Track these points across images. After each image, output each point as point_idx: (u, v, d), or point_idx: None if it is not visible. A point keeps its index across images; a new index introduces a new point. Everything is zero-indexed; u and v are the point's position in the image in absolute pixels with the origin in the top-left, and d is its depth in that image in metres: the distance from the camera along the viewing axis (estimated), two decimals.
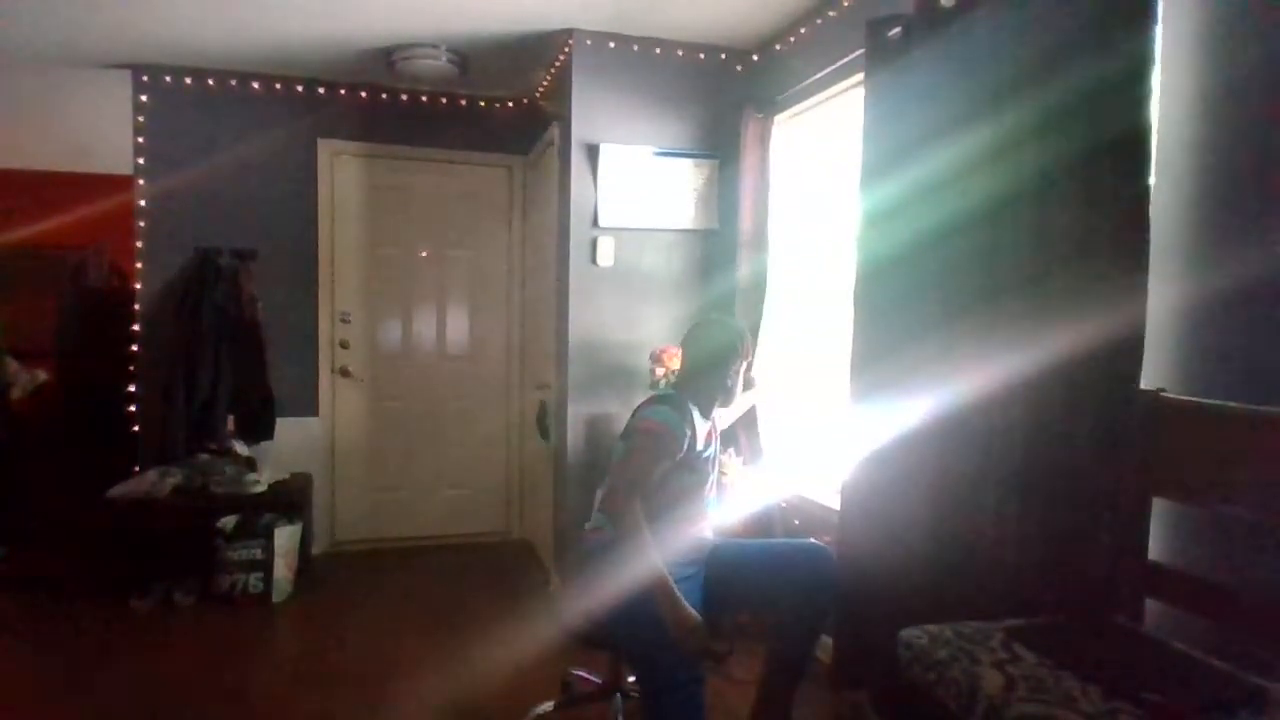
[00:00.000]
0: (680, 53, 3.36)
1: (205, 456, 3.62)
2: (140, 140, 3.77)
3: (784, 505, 2.97)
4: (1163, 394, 1.55)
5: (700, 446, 2.11)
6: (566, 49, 3.38)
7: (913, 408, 2.27)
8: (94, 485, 3.47)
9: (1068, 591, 1.67)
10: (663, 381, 2.93)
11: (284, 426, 3.89)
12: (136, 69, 3.74)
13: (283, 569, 3.45)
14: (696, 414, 2.12)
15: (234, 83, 3.84)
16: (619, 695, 2.36)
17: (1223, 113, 1.52)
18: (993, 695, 1.30)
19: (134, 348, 3.81)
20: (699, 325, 2.28)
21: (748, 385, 2.43)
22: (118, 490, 3.41)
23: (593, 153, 3.28)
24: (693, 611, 1.80)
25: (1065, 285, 1.72)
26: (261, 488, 3.53)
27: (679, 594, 1.80)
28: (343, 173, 4.11)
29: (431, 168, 4.24)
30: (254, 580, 3.38)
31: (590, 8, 3.05)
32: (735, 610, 2.40)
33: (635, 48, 3.32)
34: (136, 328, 3.81)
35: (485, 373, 4.43)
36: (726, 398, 2.20)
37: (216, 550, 3.38)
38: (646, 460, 1.97)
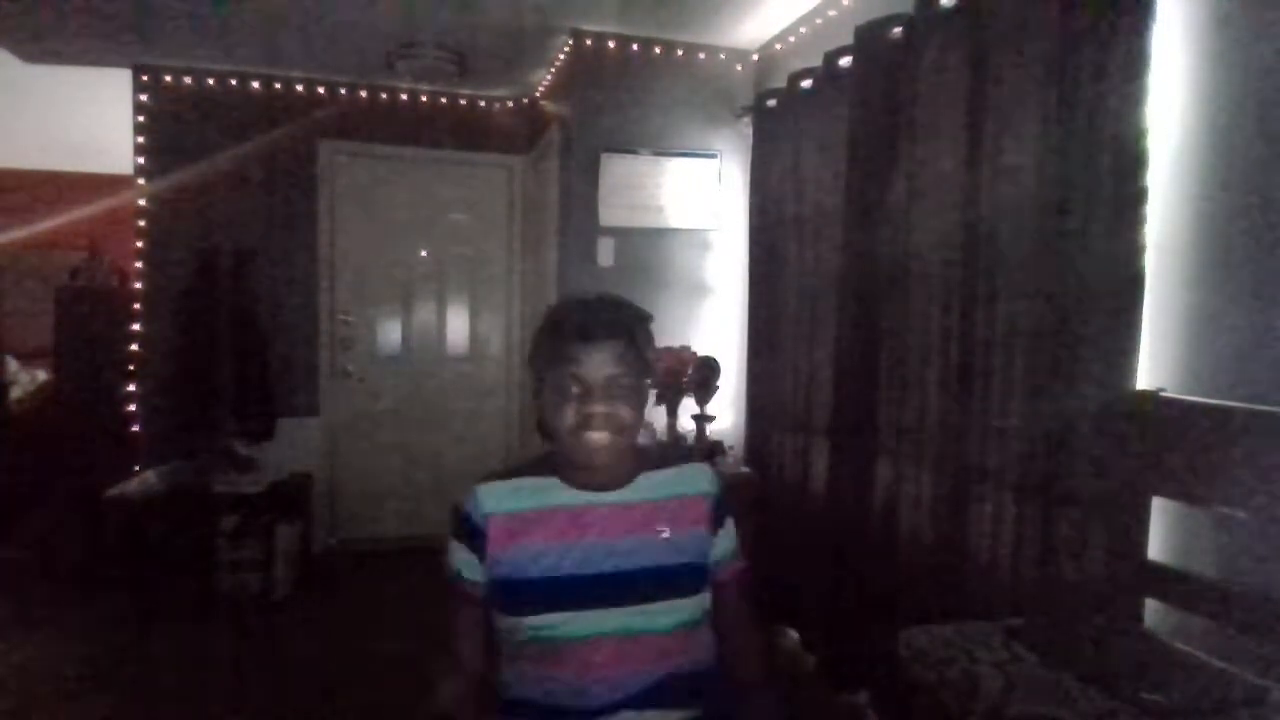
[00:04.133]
0: (680, 52, 3.36)
1: (205, 456, 3.62)
2: (140, 140, 3.77)
3: None
4: (1163, 394, 1.55)
5: (543, 569, 1.17)
6: (566, 48, 3.38)
7: (913, 407, 2.27)
8: (93, 485, 3.47)
9: (1067, 591, 1.68)
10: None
11: (284, 426, 3.90)
12: (137, 69, 3.74)
13: (283, 569, 3.45)
14: (556, 489, 1.21)
15: (234, 83, 3.84)
16: None
17: (1222, 111, 1.52)
18: (993, 695, 1.31)
19: (134, 348, 3.81)
20: None
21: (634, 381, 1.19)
22: (117, 490, 3.41)
23: (593, 153, 3.28)
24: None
25: (1063, 284, 1.72)
26: (261, 487, 3.53)
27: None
28: (343, 173, 4.10)
29: (432, 168, 4.24)
30: (254, 580, 3.38)
31: (590, 7, 3.05)
32: None
33: (635, 47, 3.32)
34: (136, 327, 3.81)
35: (485, 373, 4.43)
36: (570, 434, 1.15)
37: (216, 550, 3.38)
38: (450, 620, 1.23)
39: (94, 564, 3.52)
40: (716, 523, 1.27)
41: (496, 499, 1.20)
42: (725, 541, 1.29)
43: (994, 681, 1.33)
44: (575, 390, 1.15)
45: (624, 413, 1.16)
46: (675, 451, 1.44)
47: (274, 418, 3.86)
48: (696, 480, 1.28)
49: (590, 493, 1.21)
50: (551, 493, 1.21)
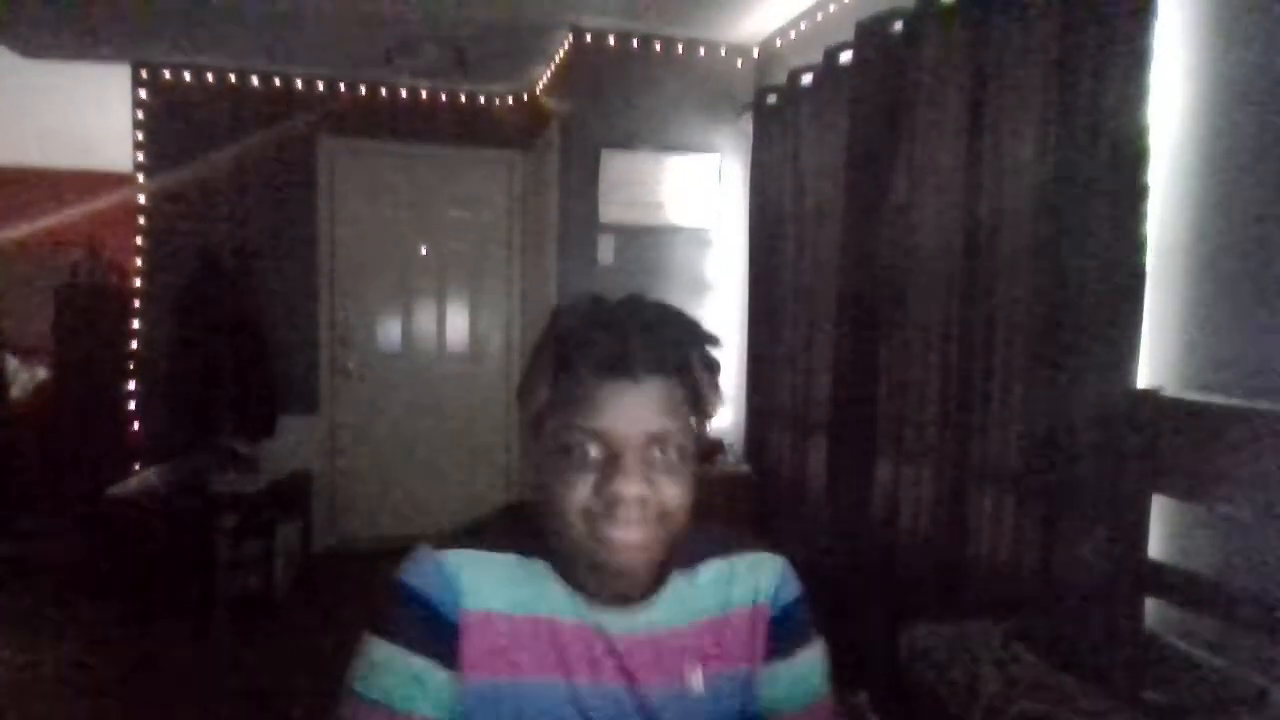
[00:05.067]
0: (680, 49, 3.35)
1: (205, 455, 3.61)
2: (140, 137, 3.77)
3: None
4: (1162, 394, 1.55)
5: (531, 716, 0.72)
6: (566, 45, 3.37)
7: (913, 406, 2.27)
8: (93, 484, 3.47)
9: (1068, 591, 1.67)
10: None
11: (284, 424, 3.90)
12: (136, 65, 3.73)
13: (283, 568, 3.45)
14: (548, 585, 0.75)
15: (233, 79, 3.83)
16: None
17: (1223, 109, 1.51)
18: (993, 694, 1.30)
19: (133, 346, 3.81)
20: None
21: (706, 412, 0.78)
22: (117, 489, 3.41)
23: (593, 150, 3.27)
24: None
25: (1063, 282, 1.72)
26: (261, 486, 3.52)
27: None
28: (342, 169, 4.10)
29: (431, 165, 4.23)
30: (254, 579, 3.38)
31: (590, 3, 3.04)
32: None
33: (635, 44, 3.31)
34: (136, 325, 3.80)
35: (485, 371, 4.42)
36: (583, 521, 0.70)
37: (216, 549, 3.37)
38: None
39: (93, 563, 3.52)
40: (780, 650, 0.81)
41: (483, 585, 0.73)
42: (798, 674, 0.81)
43: (994, 681, 1.33)
44: (595, 455, 0.70)
45: (669, 494, 0.70)
46: (724, 531, 0.87)
47: (274, 416, 3.86)
48: (760, 579, 0.83)
49: (598, 609, 0.74)
50: (544, 590, 0.74)
